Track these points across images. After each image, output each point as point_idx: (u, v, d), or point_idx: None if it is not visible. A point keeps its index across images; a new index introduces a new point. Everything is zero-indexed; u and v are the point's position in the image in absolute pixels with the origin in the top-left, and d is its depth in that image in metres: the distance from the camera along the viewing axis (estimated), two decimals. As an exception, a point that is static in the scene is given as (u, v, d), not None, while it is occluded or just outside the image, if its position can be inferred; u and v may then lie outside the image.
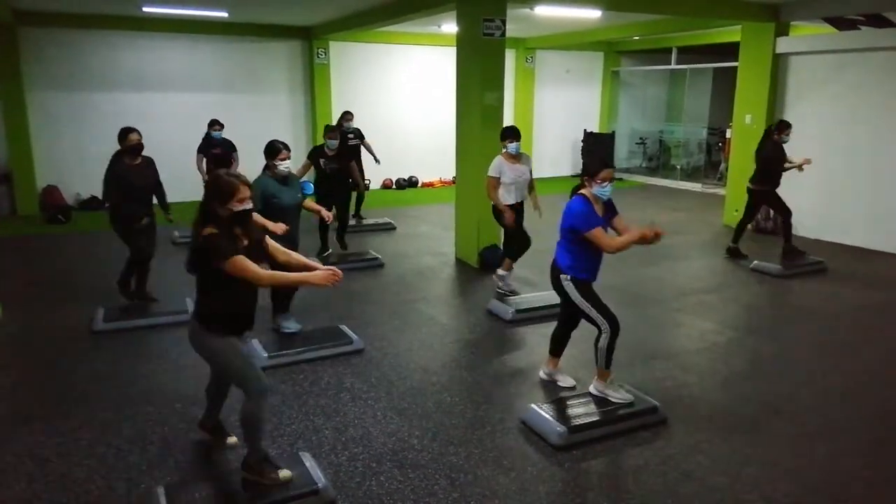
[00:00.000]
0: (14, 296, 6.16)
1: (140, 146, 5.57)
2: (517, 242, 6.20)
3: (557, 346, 4.47)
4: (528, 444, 3.76)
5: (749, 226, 8.17)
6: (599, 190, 3.88)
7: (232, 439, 3.70)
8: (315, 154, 7.51)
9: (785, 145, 7.27)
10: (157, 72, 11.22)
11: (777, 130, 7.26)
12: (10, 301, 5.96)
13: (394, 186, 13.33)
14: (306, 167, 7.57)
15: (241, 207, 3.01)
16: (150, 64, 11.15)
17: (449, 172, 12.66)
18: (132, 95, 11.04)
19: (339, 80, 12.52)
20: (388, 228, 9.54)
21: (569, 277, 4.04)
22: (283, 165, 4.84)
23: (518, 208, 6.08)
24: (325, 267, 3.18)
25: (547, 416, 3.85)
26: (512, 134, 5.92)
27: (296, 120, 12.50)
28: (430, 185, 13.67)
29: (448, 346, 5.25)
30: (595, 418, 3.88)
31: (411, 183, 13.48)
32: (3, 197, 10.36)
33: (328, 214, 5.22)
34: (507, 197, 5.98)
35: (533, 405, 4.00)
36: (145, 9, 9.18)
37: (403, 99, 13.25)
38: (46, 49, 10.41)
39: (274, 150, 4.82)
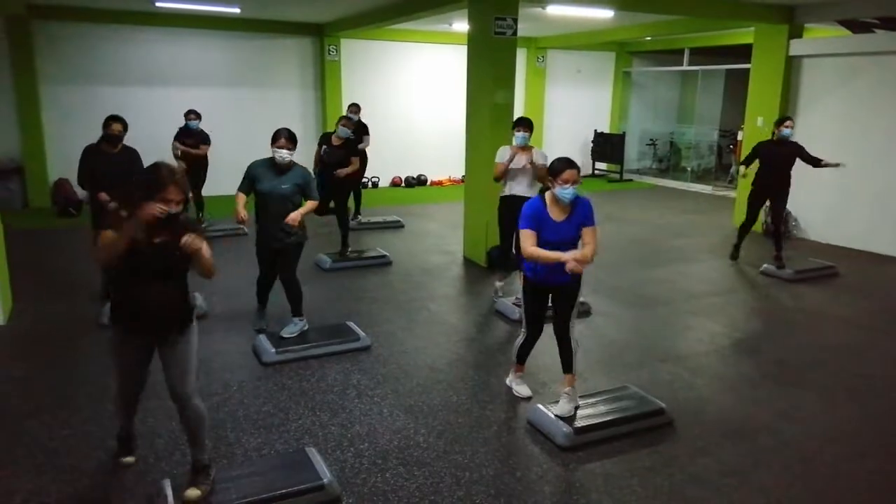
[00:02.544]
0: (25, 288, 6.20)
1: (117, 136, 5.54)
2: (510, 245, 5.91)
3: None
4: (533, 445, 3.76)
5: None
6: (560, 191, 3.67)
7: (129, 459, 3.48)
8: (322, 140, 7.50)
9: (805, 144, 7.17)
10: (170, 67, 11.27)
11: (776, 125, 7.17)
12: (21, 293, 6.01)
13: (403, 184, 13.34)
14: (317, 153, 7.51)
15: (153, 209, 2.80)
16: (162, 59, 11.20)
17: (458, 171, 12.64)
18: (144, 90, 11.09)
19: (349, 78, 12.54)
20: (397, 226, 9.55)
21: (522, 274, 4.09)
22: (280, 154, 4.79)
23: (518, 204, 5.83)
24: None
25: (553, 416, 3.85)
26: (519, 123, 5.70)
27: (306, 116, 12.52)
28: (439, 183, 13.67)
29: (455, 344, 5.25)
30: (601, 419, 3.87)
31: (420, 181, 13.48)
32: (16, 190, 10.43)
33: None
34: (507, 188, 5.79)
35: (539, 405, 4.00)
36: (158, 3, 9.23)
37: (413, 97, 13.25)
38: (60, 43, 10.48)
39: (274, 136, 4.83)
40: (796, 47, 9.03)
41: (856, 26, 9.24)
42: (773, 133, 7.20)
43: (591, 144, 14.93)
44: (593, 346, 5.16)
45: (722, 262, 7.97)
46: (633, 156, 15.57)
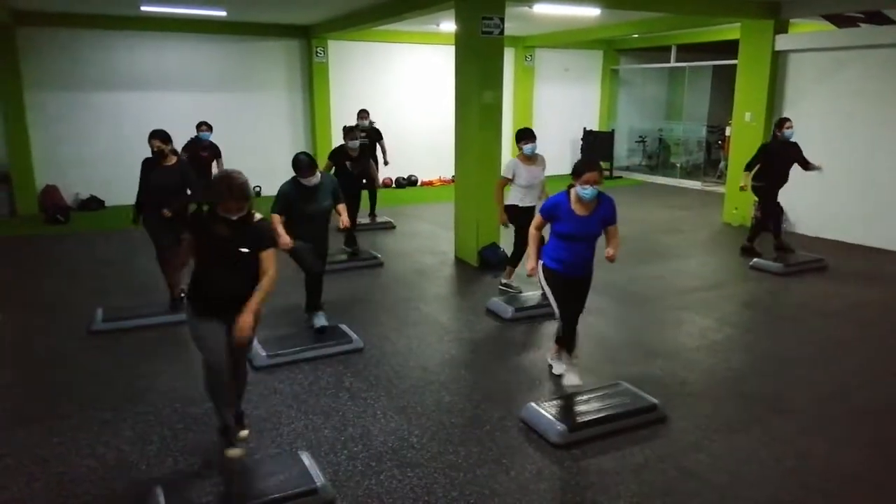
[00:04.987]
0: (13, 296, 6.15)
1: (160, 152, 5.52)
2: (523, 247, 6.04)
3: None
4: (527, 443, 3.76)
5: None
6: (580, 191, 3.95)
7: (243, 432, 3.69)
8: (338, 155, 7.52)
9: (800, 143, 7.30)
10: (156, 71, 11.21)
11: (777, 127, 7.29)
12: (9, 301, 5.96)
13: (393, 185, 13.32)
14: (328, 167, 7.47)
15: (222, 214, 3.23)
16: (148, 63, 11.14)
17: (448, 171, 12.62)
18: (130, 95, 11.03)
19: (337, 79, 12.51)
20: (388, 227, 9.54)
21: (542, 263, 4.23)
22: (309, 182, 4.99)
23: (532, 212, 5.98)
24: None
25: (546, 414, 3.85)
26: (526, 136, 5.94)
27: (294, 119, 12.49)
28: (430, 183, 13.67)
29: (447, 344, 5.25)
30: (595, 416, 3.87)
31: (411, 182, 13.47)
32: (3, 197, 10.34)
33: (346, 221, 5.42)
34: (522, 199, 5.97)
35: (532, 403, 4.00)
36: (144, 8, 9.16)
37: (402, 97, 13.23)
38: (45, 49, 10.40)
39: (297, 167, 4.94)
40: (782, 42, 9.07)
41: (840, 21, 9.31)
42: (776, 134, 7.28)
43: (581, 142, 14.95)
44: (585, 343, 5.16)
45: (712, 257, 8.00)
46: (622, 153, 15.61)
